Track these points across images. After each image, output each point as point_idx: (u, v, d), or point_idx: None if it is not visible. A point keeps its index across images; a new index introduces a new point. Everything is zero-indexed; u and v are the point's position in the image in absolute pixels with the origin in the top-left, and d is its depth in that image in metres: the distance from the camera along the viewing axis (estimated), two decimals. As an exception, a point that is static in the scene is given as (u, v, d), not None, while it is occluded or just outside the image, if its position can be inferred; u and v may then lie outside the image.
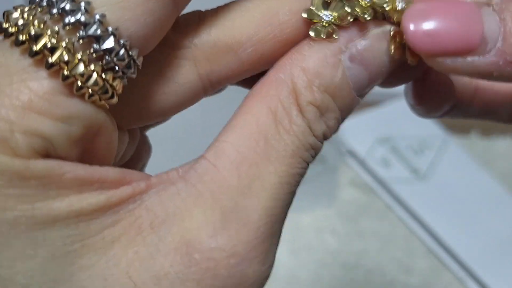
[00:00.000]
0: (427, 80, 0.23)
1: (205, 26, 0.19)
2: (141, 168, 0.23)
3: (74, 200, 0.16)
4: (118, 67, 0.17)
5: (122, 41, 0.17)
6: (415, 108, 0.24)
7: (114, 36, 0.16)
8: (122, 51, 0.17)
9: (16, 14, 0.17)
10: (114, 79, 0.17)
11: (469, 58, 0.17)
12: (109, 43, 0.16)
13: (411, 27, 0.18)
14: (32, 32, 0.16)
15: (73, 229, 0.16)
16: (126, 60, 0.17)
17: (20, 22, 0.16)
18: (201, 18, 0.19)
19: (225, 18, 0.19)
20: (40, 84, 0.16)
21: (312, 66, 0.18)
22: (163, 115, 0.20)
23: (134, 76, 0.17)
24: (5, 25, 0.17)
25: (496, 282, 0.53)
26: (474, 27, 0.17)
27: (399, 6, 0.19)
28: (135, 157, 0.23)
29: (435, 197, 0.59)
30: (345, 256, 0.56)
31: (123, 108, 0.18)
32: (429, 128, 0.63)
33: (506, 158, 0.63)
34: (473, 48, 0.17)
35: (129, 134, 0.21)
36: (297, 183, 0.18)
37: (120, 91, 0.17)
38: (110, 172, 0.17)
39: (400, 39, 0.19)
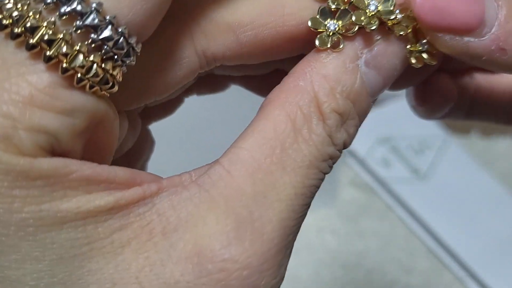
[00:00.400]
0: (429, 82, 0.24)
1: (208, 2, 0.19)
2: (143, 163, 0.23)
3: (82, 201, 0.16)
4: (118, 56, 0.16)
5: (120, 30, 0.16)
6: (417, 109, 0.25)
7: (112, 24, 0.16)
8: (121, 40, 0.16)
9: (9, 5, 0.16)
10: (113, 68, 0.17)
11: (466, 39, 0.18)
12: (107, 32, 0.16)
13: (420, 3, 0.18)
14: (28, 24, 0.15)
15: (81, 232, 0.16)
16: (125, 49, 0.16)
17: (15, 13, 0.16)
18: None
19: None
20: (39, 77, 0.15)
21: (332, 73, 0.18)
22: (160, 93, 0.20)
23: (133, 63, 0.17)
24: None
25: (496, 282, 0.53)
26: (477, 9, 0.18)
27: (399, 16, 0.19)
28: (138, 150, 0.22)
29: (435, 197, 0.59)
30: (345, 256, 0.56)
31: (120, 88, 0.18)
32: (429, 128, 0.63)
33: (506, 158, 0.63)
34: (473, 28, 0.18)
35: (129, 120, 0.21)
36: (312, 195, 0.18)
37: (120, 79, 0.17)
38: (118, 172, 0.17)
39: (415, 48, 0.19)
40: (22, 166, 0.15)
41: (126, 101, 0.19)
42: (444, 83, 0.24)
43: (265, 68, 0.23)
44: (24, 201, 0.15)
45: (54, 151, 0.16)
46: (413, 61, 0.19)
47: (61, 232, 0.16)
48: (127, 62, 0.17)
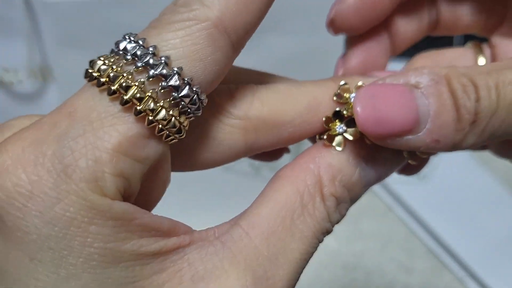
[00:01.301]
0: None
1: (258, 102, 0.22)
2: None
3: (136, 244, 0.19)
4: (190, 110, 0.20)
5: (195, 88, 0.19)
6: (401, 174, 0.30)
7: (189, 85, 0.19)
8: (195, 97, 0.19)
9: (103, 66, 0.19)
10: (185, 119, 0.20)
11: (405, 138, 0.21)
12: (186, 91, 0.19)
13: (362, 119, 0.21)
14: (124, 84, 0.19)
15: (130, 271, 0.19)
16: (198, 104, 0.20)
17: (112, 74, 0.19)
18: (255, 94, 0.23)
19: (275, 99, 0.23)
20: (128, 128, 0.18)
21: (336, 163, 0.22)
22: (203, 168, 0.23)
23: (199, 114, 0.20)
24: (94, 73, 0.19)
25: (496, 282, 0.53)
26: (411, 113, 0.20)
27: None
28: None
29: (435, 197, 0.59)
30: (345, 256, 0.56)
31: (175, 158, 0.21)
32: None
33: (506, 158, 0.63)
34: (410, 130, 0.21)
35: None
36: (309, 259, 0.22)
37: (187, 127, 0.20)
38: (164, 221, 0.20)
39: (410, 154, 0.23)
40: (102, 206, 0.18)
41: (176, 166, 0.22)
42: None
43: None
44: (96, 237, 0.18)
45: (124, 194, 0.19)
46: (411, 161, 0.23)
47: (116, 269, 0.18)
48: (196, 114, 0.20)
